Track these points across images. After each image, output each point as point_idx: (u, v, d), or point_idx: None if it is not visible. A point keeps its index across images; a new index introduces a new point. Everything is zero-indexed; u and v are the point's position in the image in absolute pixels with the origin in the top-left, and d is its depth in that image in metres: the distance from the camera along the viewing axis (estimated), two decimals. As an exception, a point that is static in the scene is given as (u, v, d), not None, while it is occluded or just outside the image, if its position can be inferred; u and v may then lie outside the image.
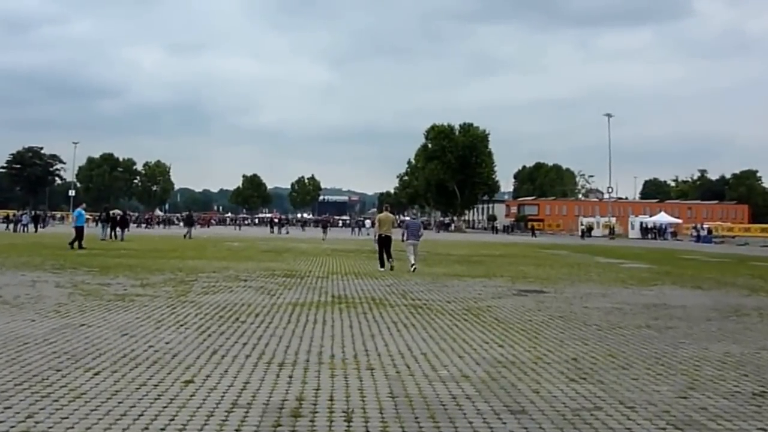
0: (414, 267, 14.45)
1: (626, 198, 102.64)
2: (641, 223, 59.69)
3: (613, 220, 63.65)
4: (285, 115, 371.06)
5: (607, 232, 57.61)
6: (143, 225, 62.55)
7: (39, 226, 50.28)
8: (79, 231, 21.19)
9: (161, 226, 63.84)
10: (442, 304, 9.24)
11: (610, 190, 68.11)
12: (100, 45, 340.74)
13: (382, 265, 14.89)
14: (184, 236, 32.23)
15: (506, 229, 74.74)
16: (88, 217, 27.12)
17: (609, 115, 66.34)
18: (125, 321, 7.18)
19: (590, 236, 54.80)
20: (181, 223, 62.98)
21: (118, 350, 5.63)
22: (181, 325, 6.97)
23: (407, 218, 20.34)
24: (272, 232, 49.97)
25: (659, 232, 56.73)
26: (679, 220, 64.93)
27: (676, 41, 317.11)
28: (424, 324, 7.39)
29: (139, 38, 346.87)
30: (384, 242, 15.16)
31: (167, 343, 6.01)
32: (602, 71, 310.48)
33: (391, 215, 17.01)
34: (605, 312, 8.67)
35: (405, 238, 15.31)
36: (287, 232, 50.36)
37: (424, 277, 13.32)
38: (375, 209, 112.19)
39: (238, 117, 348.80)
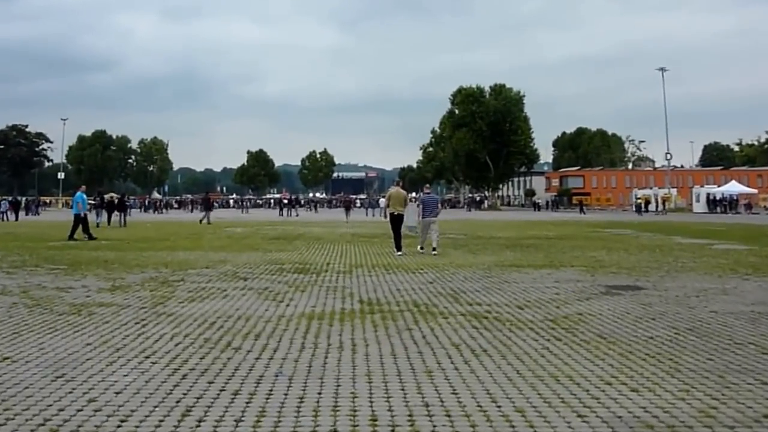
0: (435, 251, 14.56)
1: (682, 166, 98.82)
2: (708, 195, 56.80)
3: (674, 191, 60.82)
4: (293, 84, 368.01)
5: (666, 205, 54.96)
6: (151, 210, 62.40)
7: (31, 213, 50.07)
8: (80, 219, 20.20)
9: (167, 210, 63.67)
10: (512, 310, 7.44)
11: (668, 156, 65.15)
12: (91, 12, 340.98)
13: (399, 249, 14.97)
14: (200, 221, 32.18)
15: (549, 206, 72.19)
16: (91, 202, 25.83)
17: (663, 69, 63.57)
18: (69, 350, 5.57)
19: (647, 211, 52.32)
20: (190, 207, 63.55)
21: (37, 410, 4.00)
22: (147, 357, 5.31)
23: (421, 194, 19.97)
24: (281, 214, 48.52)
25: (730, 204, 53.93)
26: (754, 190, 61.80)
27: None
28: (499, 347, 5.60)
29: (132, 3, 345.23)
30: (396, 221, 15.43)
31: (118, 393, 4.33)
32: (646, 23, 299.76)
33: (403, 191, 16.56)
34: (747, 320, 6.79)
35: (421, 215, 15.47)
36: (297, 215, 48.79)
37: (473, 269, 11.58)
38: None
39: (241, 87, 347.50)
